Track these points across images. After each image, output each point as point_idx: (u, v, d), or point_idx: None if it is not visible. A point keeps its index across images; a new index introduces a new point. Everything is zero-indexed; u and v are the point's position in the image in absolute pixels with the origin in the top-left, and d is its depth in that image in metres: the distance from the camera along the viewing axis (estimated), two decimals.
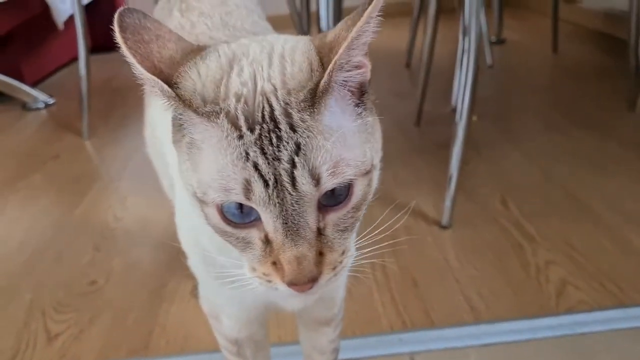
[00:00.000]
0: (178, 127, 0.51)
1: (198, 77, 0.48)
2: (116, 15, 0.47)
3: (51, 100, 2.72)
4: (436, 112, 2.15)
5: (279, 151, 0.45)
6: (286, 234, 0.47)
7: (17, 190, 1.87)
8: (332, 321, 0.84)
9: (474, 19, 1.43)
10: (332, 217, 0.50)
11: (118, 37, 0.47)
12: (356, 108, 0.52)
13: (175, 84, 0.48)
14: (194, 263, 0.73)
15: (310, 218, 0.48)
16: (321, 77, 0.46)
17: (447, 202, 1.47)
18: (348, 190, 0.50)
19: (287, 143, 0.45)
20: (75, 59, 2.30)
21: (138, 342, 1.15)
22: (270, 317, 0.91)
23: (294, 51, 0.50)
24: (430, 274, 1.29)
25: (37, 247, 1.52)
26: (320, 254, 0.49)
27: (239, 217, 0.49)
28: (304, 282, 0.48)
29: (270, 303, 0.73)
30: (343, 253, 0.52)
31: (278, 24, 0.97)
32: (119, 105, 2.58)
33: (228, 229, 0.50)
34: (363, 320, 1.15)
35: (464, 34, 1.49)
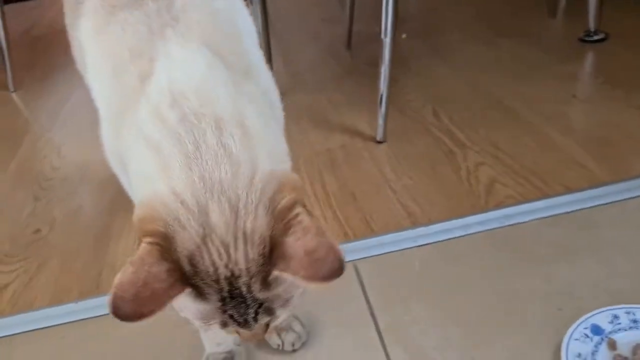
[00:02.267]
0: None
1: (186, 258, 0.54)
2: (112, 314, 0.51)
3: None
4: (366, 32, 2.15)
5: (247, 310, 0.56)
6: (250, 332, 0.60)
7: None
8: None
9: None
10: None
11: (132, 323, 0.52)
12: None
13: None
14: None
15: (263, 325, 0.61)
16: (272, 269, 0.55)
17: (380, 118, 1.51)
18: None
19: (252, 306, 0.56)
20: None
21: (89, 284, 1.17)
22: None
23: (254, 229, 0.54)
24: (368, 187, 1.34)
25: None
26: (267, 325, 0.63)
27: (204, 319, 0.60)
28: (255, 342, 0.68)
29: None
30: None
31: None
32: (43, 54, 2.49)
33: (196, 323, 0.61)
34: None
35: None
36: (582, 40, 1.91)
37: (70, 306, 1.11)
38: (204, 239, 0.53)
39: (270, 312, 0.58)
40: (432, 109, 1.64)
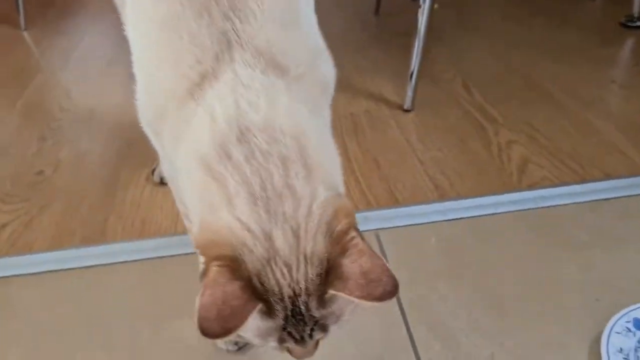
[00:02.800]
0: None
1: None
2: (201, 334, 0.52)
3: None
4: (395, 1, 2.07)
5: (305, 327, 0.58)
6: (299, 345, 0.60)
7: None
8: None
9: None
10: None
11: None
12: None
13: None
14: None
15: (317, 338, 0.61)
16: (329, 289, 0.56)
17: (410, 87, 1.43)
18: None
19: (309, 324, 0.57)
20: None
21: (93, 229, 1.11)
22: None
23: (313, 253, 0.56)
24: (393, 156, 1.27)
25: None
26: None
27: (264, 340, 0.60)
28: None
29: None
30: None
31: None
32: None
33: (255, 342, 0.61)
34: None
35: None
36: (623, 25, 1.83)
37: (72, 251, 1.05)
38: (269, 261, 0.56)
39: (324, 328, 0.59)
40: (463, 82, 1.57)
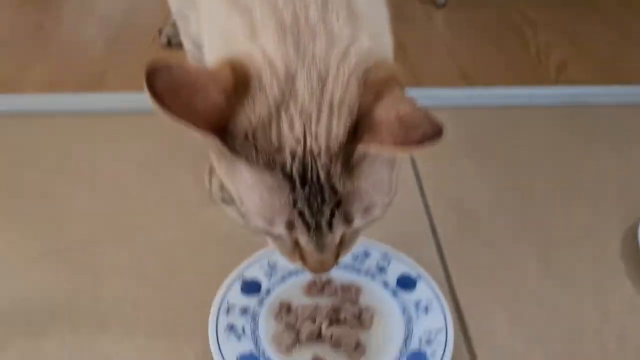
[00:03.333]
0: (223, 155, 0.46)
1: (248, 124, 0.44)
2: (145, 81, 0.40)
3: None
4: None
5: (322, 206, 0.46)
6: (316, 247, 0.49)
7: None
8: None
9: None
10: (352, 230, 0.50)
11: (156, 105, 0.40)
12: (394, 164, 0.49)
13: (229, 133, 0.44)
14: None
15: (337, 240, 0.50)
16: (357, 144, 0.44)
17: None
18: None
19: (329, 201, 0.46)
20: None
21: (90, 80, 1.02)
22: None
23: (343, 100, 0.45)
24: (421, 43, 1.17)
25: None
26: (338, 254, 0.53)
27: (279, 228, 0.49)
28: (322, 273, 0.54)
29: None
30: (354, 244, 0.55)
31: None
32: None
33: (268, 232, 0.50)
34: None
35: None
36: None
37: (65, 97, 0.96)
38: (279, 107, 0.45)
39: (348, 217, 0.47)
40: None
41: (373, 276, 0.64)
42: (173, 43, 1.08)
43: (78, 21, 1.21)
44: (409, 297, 0.61)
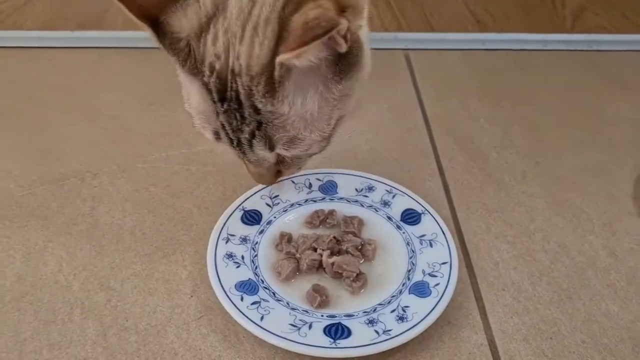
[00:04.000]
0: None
1: (179, 27, 0.44)
2: None
3: None
4: None
5: (242, 125, 0.46)
6: (248, 161, 0.51)
7: None
8: None
9: None
10: (291, 155, 0.51)
11: None
12: (329, 78, 0.45)
13: (162, 31, 0.45)
14: None
15: (269, 160, 0.51)
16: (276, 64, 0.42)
17: None
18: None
19: (250, 123, 0.46)
20: None
21: (90, 18, 0.99)
22: None
23: (268, 20, 0.43)
24: None
25: None
26: (279, 171, 0.54)
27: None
28: (263, 184, 0.58)
29: None
30: (299, 167, 0.55)
31: None
32: None
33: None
34: None
35: None
36: None
37: (65, 33, 0.94)
38: (209, 20, 0.44)
39: (269, 144, 0.47)
40: None
41: (377, 210, 0.62)
42: None
43: None
44: (413, 230, 0.59)
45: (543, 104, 0.82)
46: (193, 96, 0.48)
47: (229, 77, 0.44)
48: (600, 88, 0.86)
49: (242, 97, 0.45)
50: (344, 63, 0.44)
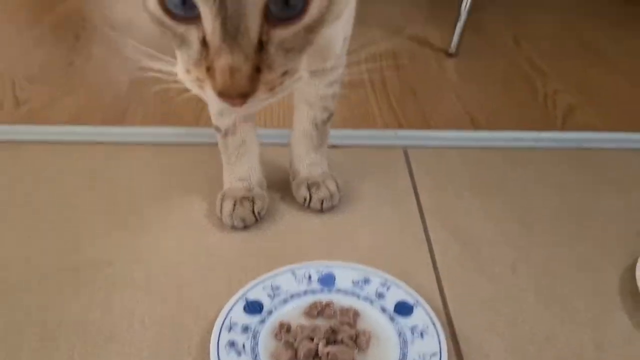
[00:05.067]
0: None
1: None
2: None
3: None
4: None
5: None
6: (223, 38, 0.41)
7: None
8: (325, 78, 0.74)
9: None
10: (280, 33, 0.43)
11: None
12: None
13: None
14: None
15: (252, 24, 0.41)
16: None
17: (456, 32, 1.36)
18: (303, 5, 0.42)
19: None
20: None
21: (114, 114, 1.07)
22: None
23: None
24: (431, 88, 1.21)
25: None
26: (258, 70, 0.43)
27: (179, 7, 0.43)
28: (234, 95, 0.43)
29: None
30: (285, 74, 0.45)
31: None
32: None
33: (166, 20, 0.44)
34: (358, 118, 1.08)
35: None
36: None
37: (89, 128, 1.01)
38: None
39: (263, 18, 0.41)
40: (513, 35, 1.49)
41: (372, 302, 0.66)
42: None
43: (106, 61, 1.27)
44: (406, 322, 0.63)
45: (534, 200, 0.87)
46: None
47: None
48: (591, 185, 0.91)
49: None
50: None
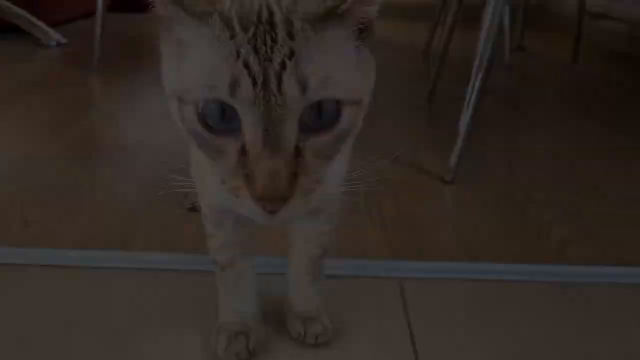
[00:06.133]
0: (167, 26, 0.48)
1: None
2: None
3: (64, 40, 2.69)
4: (449, 91, 2.11)
5: (272, 52, 0.43)
6: (265, 144, 0.45)
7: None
8: (322, 215, 0.77)
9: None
10: (314, 141, 0.47)
11: None
12: (357, 42, 0.49)
13: None
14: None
15: (291, 131, 0.45)
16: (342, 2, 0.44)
17: (452, 160, 1.42)
18: (335, 116, 0.47)
19: (282, 47, 0.43)
20: (93, 13, 2.25)
21: (115, 239, 1.10)
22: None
23: None
24: (428, 217, 1.24)
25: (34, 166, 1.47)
26: (294, 175, 0.46)
27: (218, 121, 0.46)
28: (275, 198, 0.46)
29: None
30: (317, 182, 0.49)
31: None
32: (130, 54, 2.56)
33: (205, 134, 0.47)
34: (353, 247, 1.10)
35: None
36: None
37: (90, 252, 1.04)
38: None
39: (301, 78, 0.43)
40: (509, 167, 1.55)
41: None
42: (197, 207, 1.17)
43: (115, 186, 1.32)
44: None
45: (525, 333, 0.87)
46: (195, 56, 0.45)
47: (258, 3, 0.44)
48: (583, 322, 0.91)
49: (278, 18, 0.44)
50: (364, 38, 0.49)
